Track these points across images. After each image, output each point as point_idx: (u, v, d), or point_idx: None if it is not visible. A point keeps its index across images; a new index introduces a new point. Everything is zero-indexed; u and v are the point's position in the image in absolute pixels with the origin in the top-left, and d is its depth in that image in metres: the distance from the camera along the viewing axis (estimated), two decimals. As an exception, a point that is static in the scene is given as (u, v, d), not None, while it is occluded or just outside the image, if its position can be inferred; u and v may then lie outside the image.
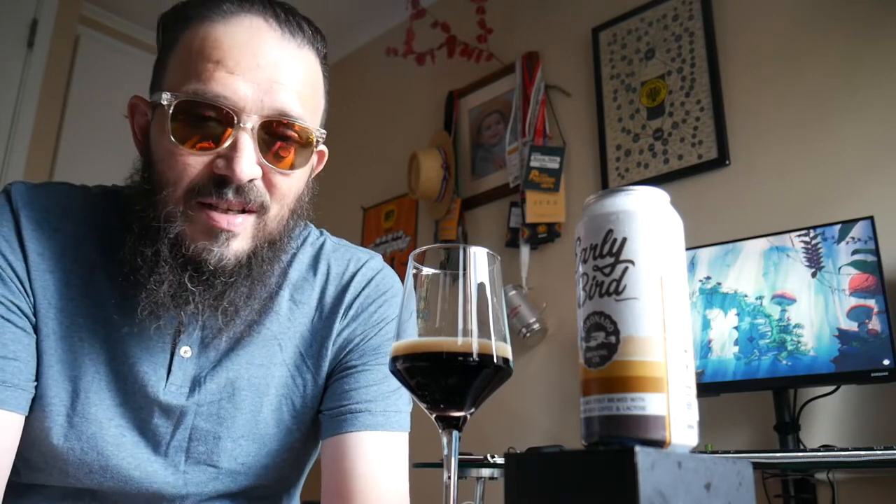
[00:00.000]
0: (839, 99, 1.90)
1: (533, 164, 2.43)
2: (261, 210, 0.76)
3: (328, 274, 0.90)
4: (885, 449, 1.25)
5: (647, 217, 0.46)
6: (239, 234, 0.75)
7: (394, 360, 0.56)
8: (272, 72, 0.74)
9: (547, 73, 2.62)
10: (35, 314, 0.77)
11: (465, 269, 0.56)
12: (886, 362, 1.49)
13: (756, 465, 1.35)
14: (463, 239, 2.70)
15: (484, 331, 0.54)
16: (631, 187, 0.47)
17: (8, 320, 0.75)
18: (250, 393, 0.84)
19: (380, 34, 3.40)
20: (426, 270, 0.57)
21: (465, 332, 0.54)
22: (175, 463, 0.82)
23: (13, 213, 0.78)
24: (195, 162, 0.73)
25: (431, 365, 0.54)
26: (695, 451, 0.44)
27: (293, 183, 0.79)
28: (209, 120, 0.72)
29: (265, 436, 0.85)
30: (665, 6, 2.32)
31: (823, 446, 1.54)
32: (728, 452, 1.48)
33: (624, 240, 0.45)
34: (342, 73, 3.63)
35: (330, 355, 0.87)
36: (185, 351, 0.81)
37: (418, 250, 0.58)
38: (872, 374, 1.50)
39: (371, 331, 0.89)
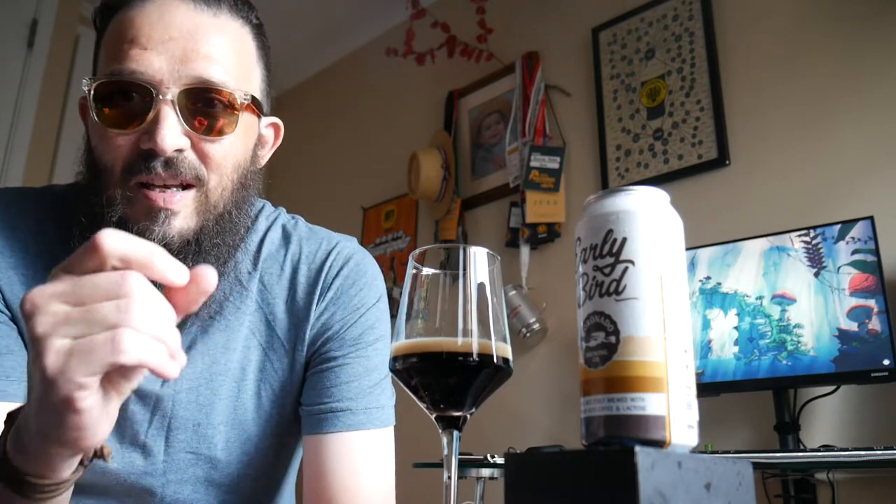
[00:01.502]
0: (839, 99, 1.90)
1: (533, 164, 2.43)
2: (198, 183, 0.76)
3: (300, 254, 0.89)
4: (885, 449, 1.25)
5: (647, 217, 0.46)
6: (179, 212, 0.75)
7: (394, 360, 0.56)
8: (186, 42, 0.74)
9: (547, 73, 2.62)
10: (9, 308, 0.78)
11: (465, 269, 0.56)
12: (886, 362, 1.49)
13: (756, 465, 1.35)
14: (463, 239, 2.70)
15: (484, 331, 0.54)
16: (631, 187, 0.47)
17: None
18: (227, 378, 0.83)
19: (380, 34, 3.40)
20: (426, 270, 0.57)
21: (465, 332, 0.54)
22: (154, 452, 0.81)
23: None
24: (124, 141, 0.74)
25: (431, 365, 0.54)
26: (695, 451, 0.44)
27: (227, 151, 0.78)
28: (130, 98, 0.73)
29: (244, 422, 0.85)
30: (665, 6, 2.32)
31: (823, 446, 1.54)
32: (728, 452, 1.48)
33: (624, 240, 0.45)
34: (342, 73, 3.63)
35: (308, 339, 0.87)
36: None
37: (418, 250, 0.58)
38: (872, 374, 1.50)
39: (351, 317, 0.87)
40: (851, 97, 1.88)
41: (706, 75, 2.16)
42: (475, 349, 0.53)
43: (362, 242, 3.29)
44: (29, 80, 2.80)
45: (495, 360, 0.54)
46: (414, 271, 0.58)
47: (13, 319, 0.78)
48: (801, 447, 1.64)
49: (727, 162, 2.07)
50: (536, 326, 2.30)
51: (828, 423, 1.71)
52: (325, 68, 3.66)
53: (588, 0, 2.57)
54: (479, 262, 0.57)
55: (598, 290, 0.45)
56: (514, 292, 2.33)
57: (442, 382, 0.55)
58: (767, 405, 1.70)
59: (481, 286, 0.56)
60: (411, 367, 0.55)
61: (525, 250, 2.46)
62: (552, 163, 2.43)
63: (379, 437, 0.85)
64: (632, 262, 0.45)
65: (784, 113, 2.00)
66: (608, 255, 0.46)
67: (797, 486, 1.62)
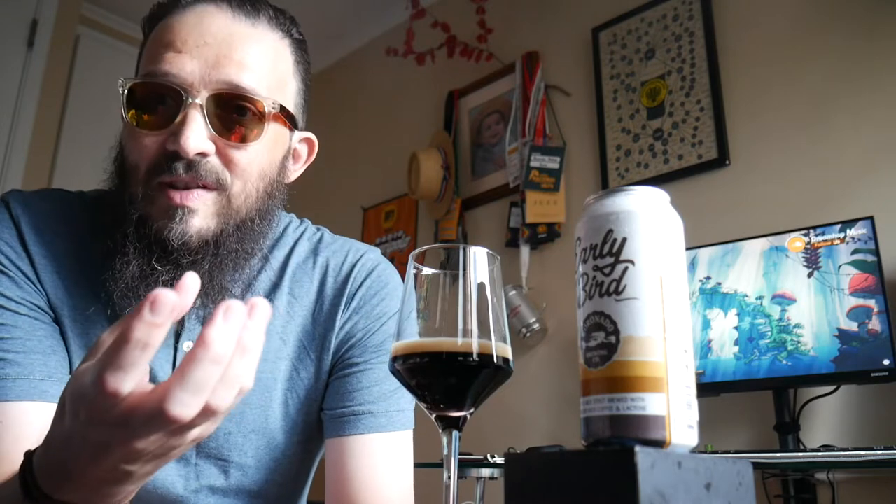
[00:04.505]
0: (839, 99, 1.90)
1: (533, 164, 2.43)
2: (219, 187, 0.76)
3: (327, 266, 0.91)
4: (885, 449, 1.25)
5: (647, 217, 0.46)
6: (198, 211, 0.75)
7: (393, 360, 0.56)
8: (220, 48, 0.76)
9: (547, 73, 2.62)
10: (52, 310, 0.79)
11: (465, 269, 0.56)
12: (886, 362, 1.48)
13: (756, 465, 1.35)
14: (463, 239, 2.70)
15: (484, 331, 0.54)
16: (631, 187, 0.47)
17: (35, 319, 0.77)
18: (257, 388, 0.85)
19: (380, 34, 3.40)
20: (426, 270, 0.57)
21: (465, 332, 0.54)
22: (185, 458, 0.82)
23: (13, 221, 0.80)
24: (151, 142, 0.75)
25: (431, 365, 0.54)
26: (695, 451, 0.44)
27: (252, 158, 0.78)
28: (162, 100, 0.75)
29: (273, 430, 0.86)
30: (665, 6, 2.32)
31: (823, 446, 1.54)
32: (728, 452, 1.48)
33: (624, 240, 0.45)
34: (342, 73, 3.63)
35: (332, 348, 0.88)
36: (187, 346, 0.82)
37: (418, 250, 0.58)
38: (872, 374, 1.50)
39: (373, 325, 0.89)
40: (851, 97, 1.88)
41: (706, 75, 2.16)
42: (475, 349, 0.53)
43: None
44: (29, 80, 2.80)
45: (495, 360, 0.54)
46: (414, 271, 0.58)
47: (55, 321, 0.79)
48: (801, 447, 1.64)
49: (727, 162, 2.07)
50: (536, 326, 2.30)
51: (828, 423, 1.71)
52: (325, 68, 3.66)
53: (588, 0, 2.57)
54: (479, 262, 0.56)
55: (598, 290, 0.45)
56: (514, 292, 2.33)
57: (442, 382, 0.55)
58: (767, 405, 1.70)
59: (481, 286, 0.56)
60: (411, 367, 0.54)
61: (525, 250, 2.46)
62: (552, 163, 2.43)
63: (399, 440, 0.87)
64: (632, 262, 0.45)
65: (784, 113, 2.00)
66: (608, 255, 0.46)
67: (797, 486, 1.62)
